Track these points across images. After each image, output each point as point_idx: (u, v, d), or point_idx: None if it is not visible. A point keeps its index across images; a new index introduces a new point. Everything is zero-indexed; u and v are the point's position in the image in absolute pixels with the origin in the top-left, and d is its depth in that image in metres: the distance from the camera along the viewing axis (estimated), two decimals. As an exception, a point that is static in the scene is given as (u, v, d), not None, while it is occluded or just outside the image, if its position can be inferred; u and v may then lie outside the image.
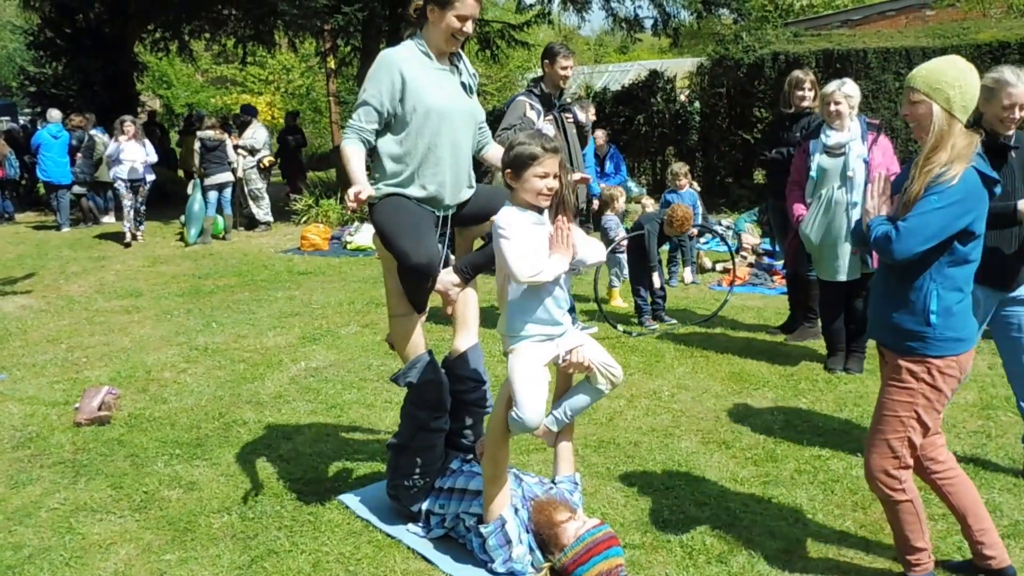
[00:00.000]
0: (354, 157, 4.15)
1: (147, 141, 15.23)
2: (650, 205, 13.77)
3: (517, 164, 3.73)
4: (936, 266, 3.54)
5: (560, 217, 3.78)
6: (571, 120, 7.48)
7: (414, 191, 4.19)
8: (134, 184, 14.81)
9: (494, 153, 4.57)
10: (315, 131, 34.22)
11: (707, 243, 13.01)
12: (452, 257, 4.48)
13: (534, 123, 6.92)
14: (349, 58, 20.41)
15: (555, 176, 3.74)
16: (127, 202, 14.72)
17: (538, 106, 7.08)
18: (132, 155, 14.70)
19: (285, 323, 8.85)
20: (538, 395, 3.70)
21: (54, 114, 16.53)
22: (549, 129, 6.73)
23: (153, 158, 15.22)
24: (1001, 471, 4.95)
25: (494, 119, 7.47)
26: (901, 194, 3.61)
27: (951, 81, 3.49)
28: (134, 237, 14.68)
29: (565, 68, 7.28)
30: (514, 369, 3.77)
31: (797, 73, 7.73)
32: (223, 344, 8.06)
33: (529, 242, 3.70)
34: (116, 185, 14.96)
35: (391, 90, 4.12)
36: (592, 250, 3.95)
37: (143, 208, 15.13)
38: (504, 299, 3.87)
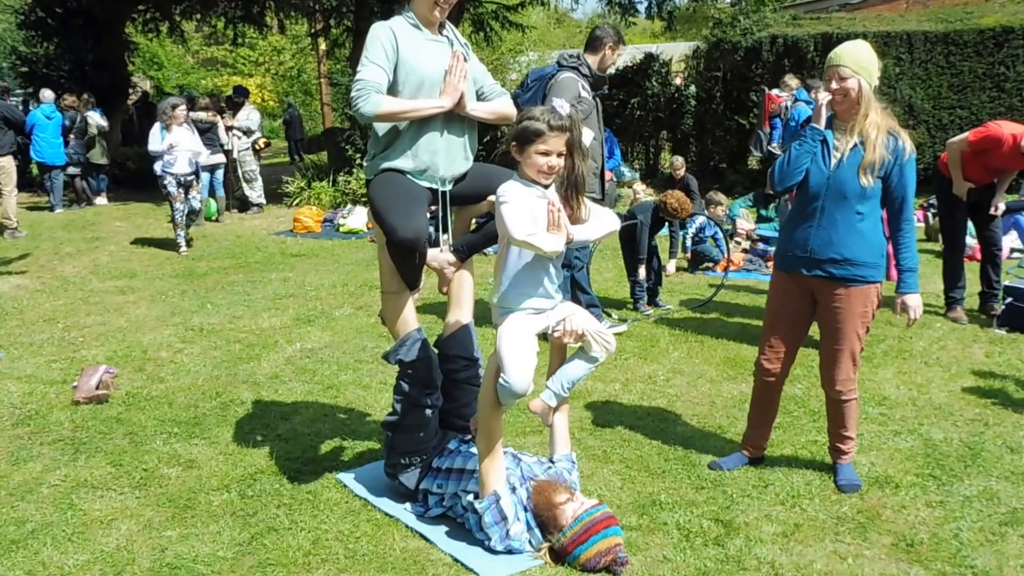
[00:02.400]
0: (397, 100, 4.13)
1: (194, 129, 12.81)
2: (642, 191, 13.85)
3: (522, 139, 3.74)
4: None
5: (549, 201, 3.78)
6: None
7: (408, 163, 4.19)
8: (188, 179, 12.14)
9: (499, 104, 4.49)
10: (306, 113, 34.15)
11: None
12: (443, 237, 4.48)
13: (592, 104, 6.84)
14: (341, 39, 20.35)
15: (559, 154, 3.75)
16: (179, 205, 12.00)
17: (588, 87, 6.90)
18: (186, 144, 12.03)
19: (279, 305, 8.86)
20: (525, 361, 3.71)
21: (47, 94, 16.39)
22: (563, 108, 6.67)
23: (205, 151, 13.00)
24: (999, 459, 4.98)
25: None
26: (841, 154, 4.40)
27: (872, 61, 4.34)
28: (188, 243, 12.36)
29: (621, 54, 7.16)
30: (502, 336, 3.79)
31: None
32: (218, 325, 8.07)
33: (528, 209, 3.72)
34: (166, 183, 11.98)
35: (388, 55, 4.11)
36: (598, 226, 3.97)
37: (199, 207, 12.68)
38: (500, 271, 3.88)
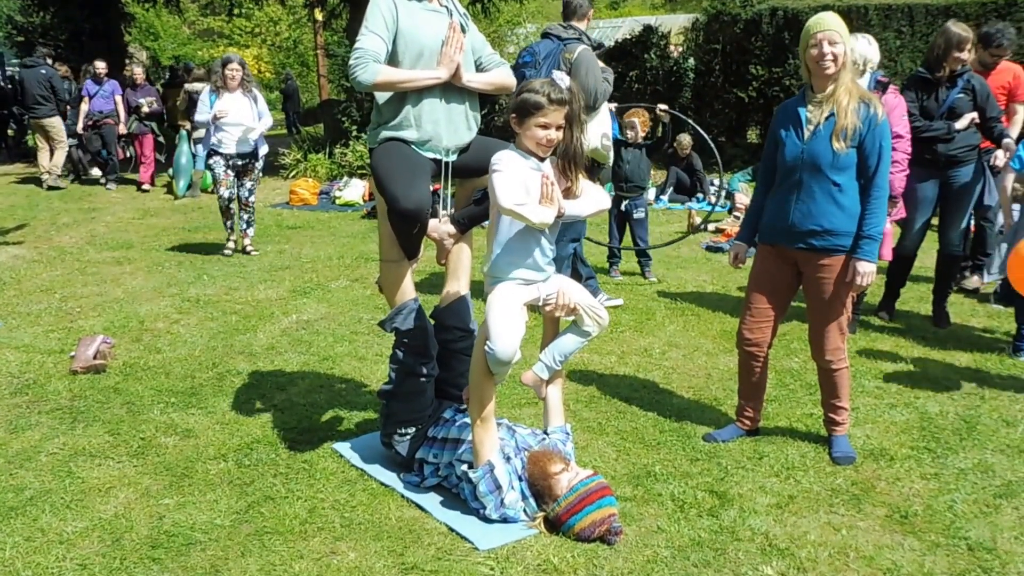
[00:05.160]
0: (394, 71, 4.14)
1: (258, 95, 9.85)
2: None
3: (522, 111, 3.74)
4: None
5: (544, 174, 3.79)
6: None
7: (411, 134, 4.20)
8: (240, 162, 9.67)
9: (497, 75, 4.50)
10: (303, 85, 34.02)
11: (700, 203, 13.07)
12: (441, 209, 4.48)
13: (613, 74, 6.78)
14: (338, 10, 20.22)
15: (558, 128, 3.75)
16: (224, 191, 9.61)
17: None
18: (239, 115, 9.46)
19: (275, 276, 8.85)
20: (512, 328, 3.73)
21: (43, 64, 16.25)
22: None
23: (268, 121, 9.87)
24: (994, 432, 5.01)
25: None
26: (815, 125, 4.42)
27: (847, 31, 4.41)
28: (243, 250, 10.07)
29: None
30: (490, 304, 3.82)
31: (957, 30, 6.51)
32: (215, 296, 8.07)
33: (521, 180, 3.73)
34: (211, 164, 9.66)
35: (388, 25, 4.12)
36: (589, 202, 3.97)
37: (252, 198, 9.97)
38: (492, 239, 3.90)
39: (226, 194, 9.65)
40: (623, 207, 8.72)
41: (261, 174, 10.05)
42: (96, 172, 16.60)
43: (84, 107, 15.26)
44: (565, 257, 7.16)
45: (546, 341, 4.16)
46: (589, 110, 6.51)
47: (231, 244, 9.93)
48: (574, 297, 3.93)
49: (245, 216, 9.96)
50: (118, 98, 15.43)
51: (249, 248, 10.06)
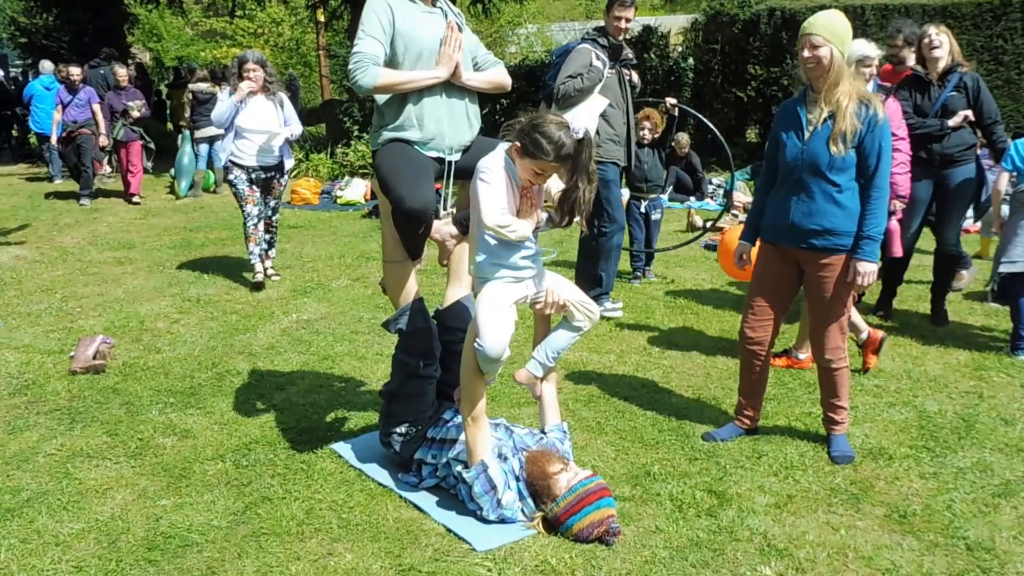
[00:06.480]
0: (395, 72, 4.17)
1: (285, 99, 8.58)
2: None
3: (528, 146, 3.69)
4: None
5: (529, 186, 3.80)
6: (628, 78, 7.32)
7: (414, 134, 4.22)
8: (264, 176, 8.45)
9: (493, 74, 4.52)
10: (305, 85, 34.01)
11: (704, 201, 13.05)
12: (443, 212, 4.48)
13: (601, 71, 6.82)
14: (340, 11, 20.23)
15: (549, 176, 3.78)
16: (250, 208, 8.39)
17: (604, 57, 6.89)
18: (261, 120, 8.26)
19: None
20: (501, 325, 3.73)
21: (46, 65, 16.27)
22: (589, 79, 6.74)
23: (297, 128, 8.60)
24: (992, 431, 5.00)
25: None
26: (815, 127, 4.42)
27: (845, 31, 4.35)
28: (266, 274, 8.68)
29: (619, 19, 7.06)
30: (480, 302, 3.82)
31: (927, 28, 6.76)
32: (215, 296, 8.07)
33: (505, 188, 3.74)
34: (232, 179, 8.40)
35: (384, 28, 4.15)
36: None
37: (276, 217, 8.86)
38: (475, 241, 3.90)
39: (255, 211, 8.41)
40: (643, 208, 8.68)
41: (285, 189, 8.90)
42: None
43: (57, 116, 14.00)
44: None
45: (538, 339, 4.17)
46: (550, 104, 6.80)
47: (259, 276, 8.50)
48: (563, 294, 3.95)
49: (267, 236, 8.74)
50: (95, 106, 13.98)
51: (271, 273, 8.79)
